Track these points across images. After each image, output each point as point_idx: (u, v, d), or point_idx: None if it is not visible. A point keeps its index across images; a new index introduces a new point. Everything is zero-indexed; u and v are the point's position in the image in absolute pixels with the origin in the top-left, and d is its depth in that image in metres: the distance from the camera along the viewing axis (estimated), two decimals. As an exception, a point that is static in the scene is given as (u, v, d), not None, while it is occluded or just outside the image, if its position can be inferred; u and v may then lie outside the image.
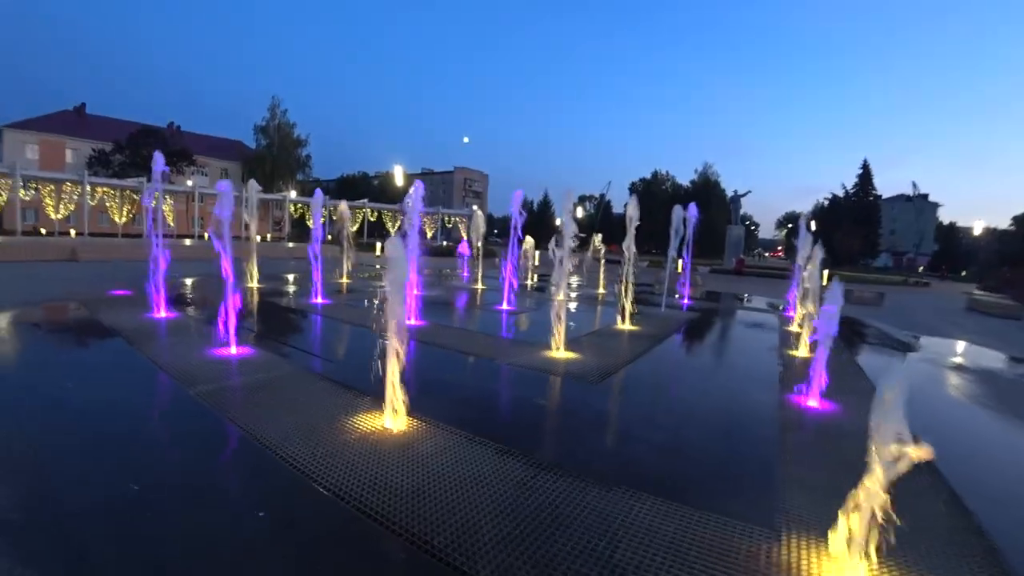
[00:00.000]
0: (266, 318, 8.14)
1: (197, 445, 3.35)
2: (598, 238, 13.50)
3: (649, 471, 3.26)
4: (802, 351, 6.92)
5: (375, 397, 3.92)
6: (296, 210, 46.11)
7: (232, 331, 5.24)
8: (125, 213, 38.24)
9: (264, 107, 57.14)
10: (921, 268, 68.38)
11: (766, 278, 31.77)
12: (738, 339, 9.08)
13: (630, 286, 8.05)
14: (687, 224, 10.18)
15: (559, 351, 5.93)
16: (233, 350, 5.24)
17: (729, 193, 58.65)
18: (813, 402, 4.68)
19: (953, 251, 79.36)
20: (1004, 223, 70.28)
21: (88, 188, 34.22)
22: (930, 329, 13.81)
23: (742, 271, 37.00)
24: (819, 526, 2.56)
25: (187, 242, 31.59)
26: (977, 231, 58.99)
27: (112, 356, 5.55)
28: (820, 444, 3.89)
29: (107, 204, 37.49)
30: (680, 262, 12.03)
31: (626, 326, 8.07)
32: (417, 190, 6.70)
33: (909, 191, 65.27)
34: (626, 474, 3.12)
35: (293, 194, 48.05)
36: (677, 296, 11.86)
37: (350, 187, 79.76)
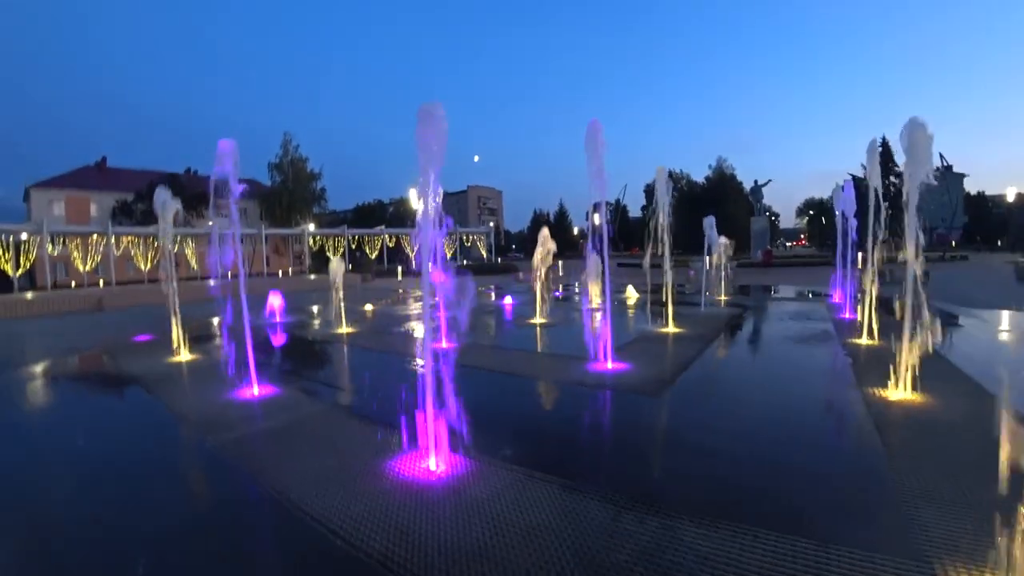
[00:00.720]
0: (290, 353, 7.82)
1: (212, 508, 2.94)
2: (633, 293, 12.98)
3: (747, 497, 2.72)
4: (865, 339, 6.33)
5: (412, 434, 3.47)
6: (315, 243, 46.49)
7: (253, 371, 4.87)
8: (149, 259, 39.03)
9: (277, 143, 57.87)
10: (954, 243, 65.89)
11: (797, 267, 30.81)
12: (791, 332, 8.39)
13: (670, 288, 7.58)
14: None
15: (606, 362, 5.44)
16: (256, 391, 4.85)
17: (747, 184, 57.54)
18: (901, 395, 4.13)
19: (985, 222, 76.37)
20: (1038, 187, 67.31)
21: (113, 239, 35.01)
22: (986, 303, 12.89)
23: (770, 263, 35.86)
24: (973, 549, 2.05)
25: (211, 283, 31.80)
26: (1010, 198, 56.29)
27: (130, 407, 5.24)
28: (928, 443, 3.32)
29: (132, 252, 38.38)
30: (707, 260, 11.96)
31: (669, 329, 7.55)
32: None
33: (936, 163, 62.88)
34: (722, 503, 2.60)
35: (311, 227, 48.48)
36: (708, 293, 11.42)
37: (367, 216, 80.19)
